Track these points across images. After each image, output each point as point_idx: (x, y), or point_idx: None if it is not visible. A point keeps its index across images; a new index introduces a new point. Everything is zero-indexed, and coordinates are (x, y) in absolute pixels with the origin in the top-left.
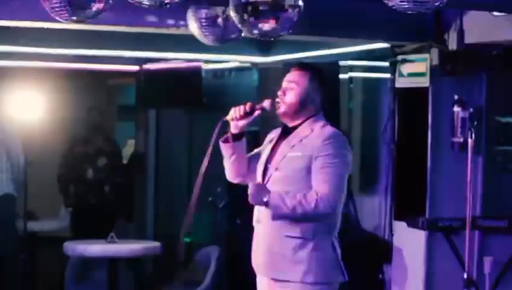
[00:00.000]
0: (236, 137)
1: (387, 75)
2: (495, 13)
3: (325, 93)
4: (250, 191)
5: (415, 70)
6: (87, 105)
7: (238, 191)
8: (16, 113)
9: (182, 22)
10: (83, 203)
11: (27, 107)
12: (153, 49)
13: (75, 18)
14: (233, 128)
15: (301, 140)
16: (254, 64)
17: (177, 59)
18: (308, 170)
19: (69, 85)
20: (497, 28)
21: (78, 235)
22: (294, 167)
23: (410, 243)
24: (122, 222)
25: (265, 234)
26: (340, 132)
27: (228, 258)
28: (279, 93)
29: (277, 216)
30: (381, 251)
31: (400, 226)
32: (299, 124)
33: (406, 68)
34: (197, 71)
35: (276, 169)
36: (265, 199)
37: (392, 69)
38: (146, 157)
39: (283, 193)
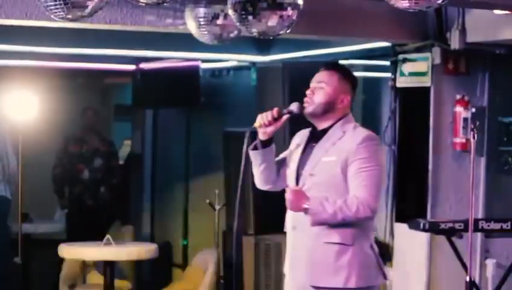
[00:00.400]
0: (265, 144)
1: (388, 75)
2: (498, 12)
3: (354, 94)
4: (288, 197)
5: (417, 69)
6: (82, 105)
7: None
8: (10, 113)
9: (179, 21)
10: (78, 205)
11: (21, 107)
12: (150, 48)
13: (70, 16)
14: (262, 135)
15: (334, 143)
16: (253, 64)
17: (174, 58)
18: (344, 174)
19: (65, 84)
20: (499, 26)
21: (74, 237)
22: (330, 172)
23: (411, 245)
24: (118, 224)
25: (304, 241)
26: (373, 133)
27: (226, 262)
28: (308, 93)
29: (317, 222)
30: (381, 253)
31: (401, 229)
32: (329, 127)
33: (407, 67)
34: (194, 70)
35: (311, 175)
36: (305, 206)
37: (393, 68)
38: (143, 158)
39: (323, 199)
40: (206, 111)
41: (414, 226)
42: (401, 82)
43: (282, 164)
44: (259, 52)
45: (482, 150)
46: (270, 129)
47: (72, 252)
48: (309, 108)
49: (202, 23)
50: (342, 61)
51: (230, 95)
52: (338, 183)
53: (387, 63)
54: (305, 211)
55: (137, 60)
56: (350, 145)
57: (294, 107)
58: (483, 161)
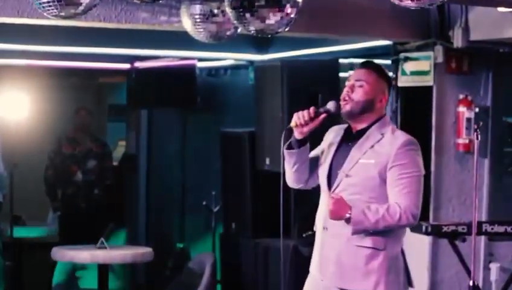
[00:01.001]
0: (301, 143)
1: (390, 74)
2: (502, 9)
3: (389, 94)
4: (330, 207)
5: (418, 68)
6: (76, 104)
7: (234, 194)
8: (1, 113)
9: (175, 18)
10: (71, 207)
11: (13, 107)
12: (145, 46)
13: (63, 14)
14: (298, 135)
15: (373, 146)
16: (250, 62)
17: (170, 57)
18: (382, 178)
19: (57, 84)
20: (503, 24)
21: (67, 240)
22: (366, 175)
23: (413, 249)
24: (112, 226)
25: (334, 243)
26: (412, 138)
27: (223, 265)
28: (346, 90)
29: (358, 231)
30: None
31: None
32: (366, 128)
33: (408, 66)
34: (190, 69)
35: (347, 176)
36: (347, 215)
37: (395, 67)
38: (137, 159)
39: (365, 207)
40: (202, 111)
41: (416, 229)
42: (403, 81)
43: (314, 162)
44: (258, 50)
45: (485, 151)
46: (306, 129)
47: (65, 255)
48: (347, 106)
49: (198, 20)
50: (341, 60)
51: (228, 94)
52: (373, 186)
53: (388, 62)
54: (347, 220)
55: (131, 59)
56: (389, 149)
57: (331, 106)
58: (486, 162)
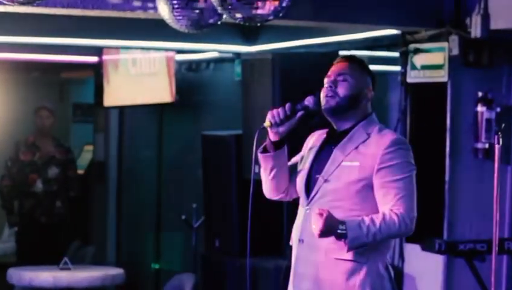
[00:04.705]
0: (277, 146)
1: (397, 68)
2: None
3: (374, 90)
4: (320, 227)
5: (431, 61)
6: (35, 104)
7: (218, 207)
8: None
9: (150, 4)
10: (30, 222)
11: None
12: (115, 36)
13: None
14: (273, 136)
15: (357, 147)
16: (237, 55)
17: (144, 48)
18: (367, 182)
19: (14, 80)
20: None
21: (25, 260)
22: (349, 178)
23: (424, 270)
24: (77, 244)
25: (311, 256)
26: (401, 136)
27: (205, 289)
28: (328, 85)
29: (354, 248)
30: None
31: (413, 250)
32: (351, 128)
33: (419, 59)
34: (168, 63)
35: (327, 181)
36: (339, 231)
37: (403, 60)
38: (106, 166)
39: (360, 221)
40: (181, 111)
41: (428, 247)
42: (413, 77)
43: (294, 169)
44: (245, 41)
45: (508, 157)
46: (283, 129)
47: (23, 278)
48: (331, 101)
49: (176, 6)
50: (342, 53)
51: (210, 92)
52: (356, 191)
53: (396, 54)
54: (340, 236)
55: (100, 51)
56: (376, 150)
57: (309, 102)
58: (510, 170)
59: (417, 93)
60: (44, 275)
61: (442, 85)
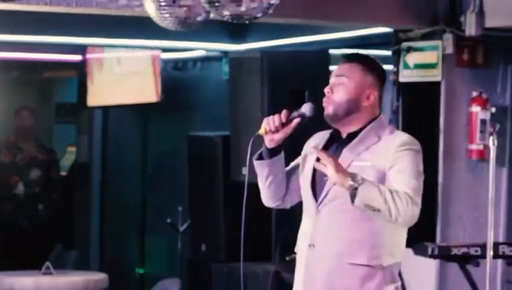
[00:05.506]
0: (273, 153)
1: (390, 67)
2: None
3: (383, 89)
4: (332, 164)
5: (424, 60)
6: (17, 104)
7: (204, 210)
8: None
9: (136, 2)
10: (11, 226)
11: None
12: (100, 34)
13: None
14: (269, 143)
15: (368, 148)
16: (224, 53)
17: (129, 47)
18: (379, 183)
19: None
20: None
21: (6, 265)
22: None
23: (417, 275)
24: (60, 248)
25: (323, 261)
26: (413, 138)
27: None
28: (327, 90)
29: (364, 202)
30: None
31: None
32: (358, 131)
33: (412, 58)
34: (154, 62)
35: (335, 183)
36: (353, 182)
37: (396, 59)
38: (90, 168)
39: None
40: (167, 111)
41: (420, 251)
42: (405, 76)
43: (292, 174)
44: (233, 39)
45: (503, 158)
46: (278, 136)
47: (4, 282)
48: (329, 109)
49: (163, 4)
50: (332, 51)
51: (197, 91)
52: None
53: (388, 52)
54: (352, 183)
55: (84, 50)
56: (388, 149)
57: (306, 109)
58: (505, 172)
59: (410, 93)
60: (26, 281)
61: (436, 85)
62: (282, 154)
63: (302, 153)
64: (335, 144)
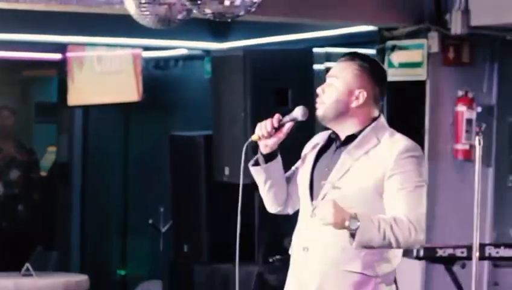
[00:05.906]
0: (269, 158)
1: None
2: None
3: (381, 89)
4: (329, 210)
5: (409, 59)
6: None
7: (186, 211)
8: None
9: None
10: None
11: None
12: (80, 33)
13: None
14: (263, 149)
15: (367, 152)
16: (206, 52)
17: (110, 45)
18: (377, 190)
19: None
20: (510, 7)
21: None
22: (360, 185)
23: (403, 276)
24: (40, 249)
25: (317, 266)
26: (416, 143)
27: None
28: (318, 91)
29: (362, 243)
30: None
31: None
32: (357, 133)
33: (397, 57)
34: (135, 60)
35: (335, 187)
36: (348, 223)
37: (380, 57)
38: (70, 168)
39: (371, 215)
40: (148, 110)
41: (405, 253)
42: (390, 75)
43: (292, 178)
44: (215, 38)
45: (489, 158)
46: (272, 141)
47: None
48: (319, 111)
49: (143, 1)
50: (316, 50)
51: (179, 90)
52: (367, 199)
53: (372, 51)
54: (350, 225)
55: (64, 48)
56: (388, 156)
57: (298, 113)
58: (491, 172)
59: (394, 92)
60: (6, 283)
61: (421, 84)
62: (279, 158)
63: (302, 153)
64: (334, 146)
